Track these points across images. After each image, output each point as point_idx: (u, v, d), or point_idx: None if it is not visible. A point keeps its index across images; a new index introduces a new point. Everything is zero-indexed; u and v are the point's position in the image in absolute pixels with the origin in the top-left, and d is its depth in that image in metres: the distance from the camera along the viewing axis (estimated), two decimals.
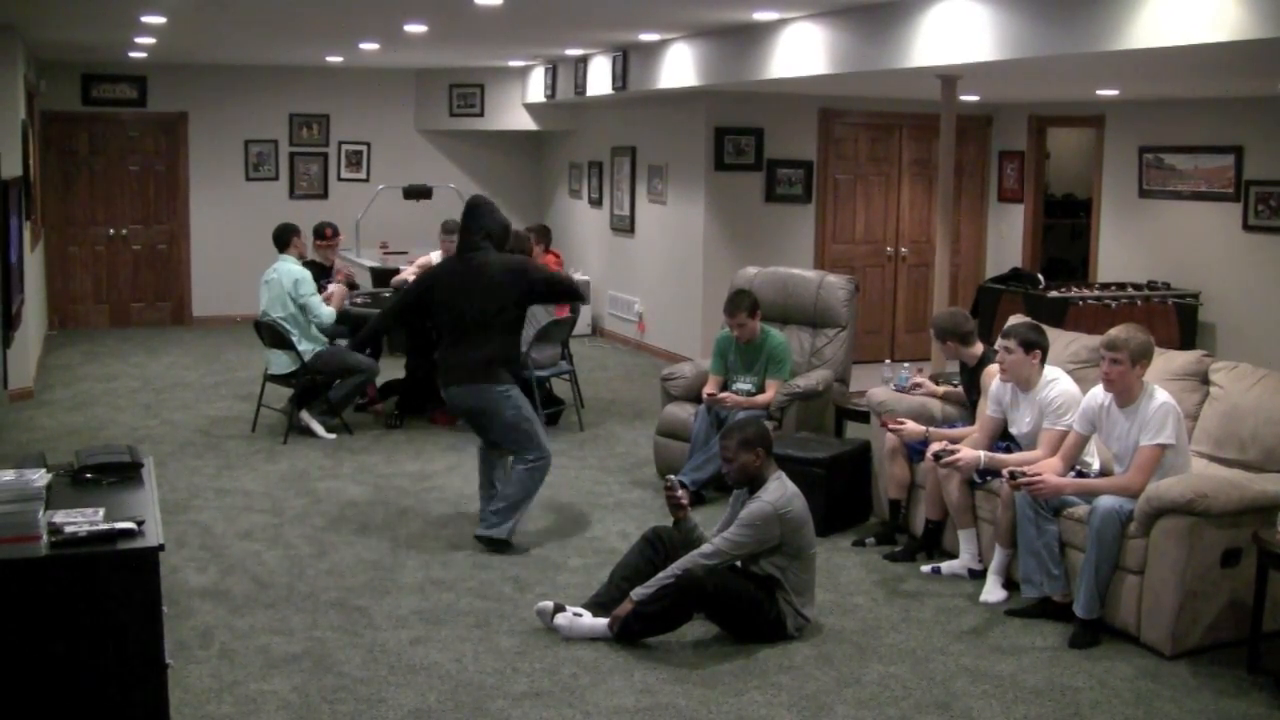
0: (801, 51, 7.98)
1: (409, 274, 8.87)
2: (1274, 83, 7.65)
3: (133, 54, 11.54)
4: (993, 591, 5.32)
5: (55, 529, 3.37)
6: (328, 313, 8.18)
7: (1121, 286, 9.50)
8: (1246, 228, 9.10)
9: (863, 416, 6.74)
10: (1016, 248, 11.32)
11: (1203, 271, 9.41)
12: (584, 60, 11.28)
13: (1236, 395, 5.27)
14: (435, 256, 8.87)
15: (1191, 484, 4.72)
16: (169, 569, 5.31)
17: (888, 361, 7.78)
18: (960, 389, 6.29)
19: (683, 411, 7.07)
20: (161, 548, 3.38)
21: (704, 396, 6.83)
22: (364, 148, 13.71)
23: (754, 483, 4.88)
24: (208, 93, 13.02)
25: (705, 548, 4.78)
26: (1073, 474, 5.21)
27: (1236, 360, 5.63)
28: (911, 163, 11.38)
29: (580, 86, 11.35)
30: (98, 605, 3.30)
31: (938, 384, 6.55)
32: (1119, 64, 6.60)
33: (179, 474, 7.21)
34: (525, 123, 13.49)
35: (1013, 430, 5.61)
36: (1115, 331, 5.03)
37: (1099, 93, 9.35)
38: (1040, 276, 9.76)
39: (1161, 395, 4.96)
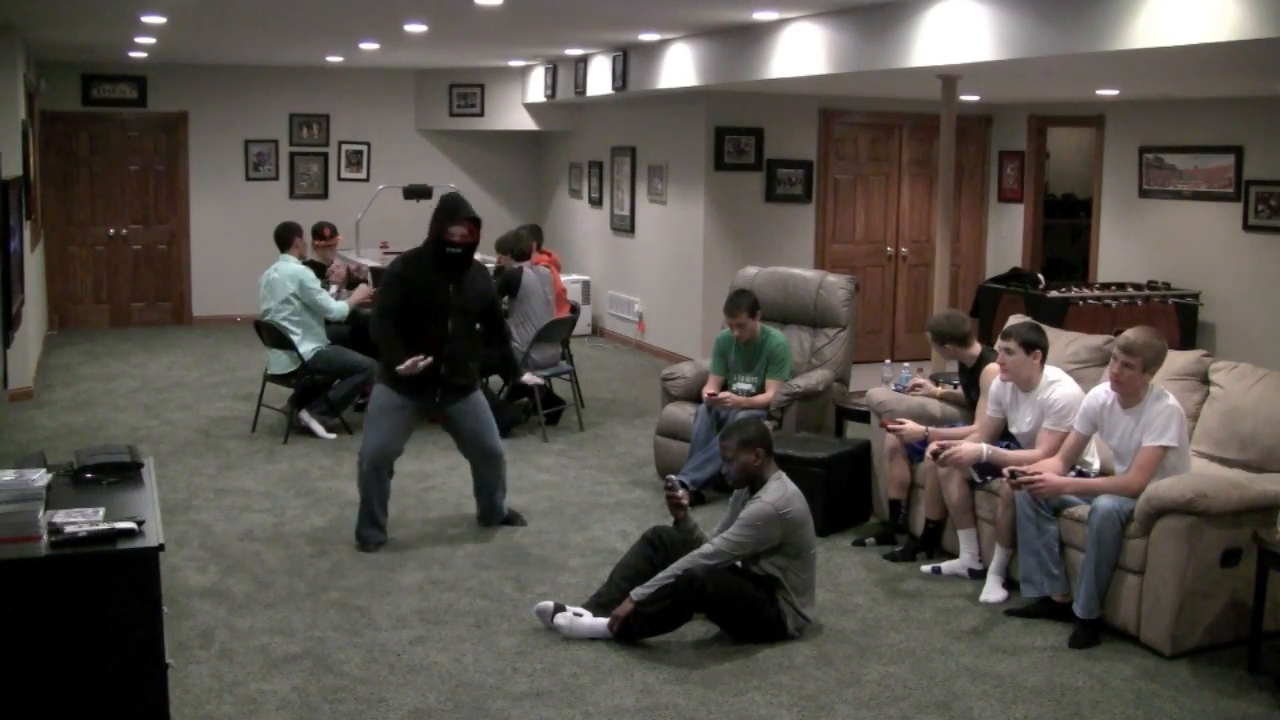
0: (801, 51, 7.98)
1: None
2: (1274, 83, 7.65)
3: (133, 54, 11.54)
4: (993, 591, 5.32)
5: (55, 529, 3.37)
6: (339, 306, 8.20)
7: (1121, 286, 9.50)
8: (1246, 228, 9.10)
9: (863, 416, 6.74)
10: (1016, 248, 11.32)
11: (1203, 271, 9.41)
12: (584, 60, 11.28)
13: (1237, 395, 5.27)
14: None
15: (1191, 484, 4.71)
16: (169, 569, 5.32)
17: (888, 361, 7.78)
18: (959, 390, 6.29)
19: (683, 411, 7.07)
20: (161, 548, 3.38)
21: (704, 396, 6.83)
22: (364, 148, 13.71)
23: (754, 483, 4.88)
24: (208, 93, 13.02)
25: (705, 548, 4.78)
26: (1072, 474, 5.21)
27: (1236, 360, 5.62)
28: (911, 163, 11.38)
29: (580, 86, 11.35)
30: (98, 605, 3.30)
31: (937, 384, 6.55)
32: (1119, 64, 6.60)
33: (179, 474, 7.21)
34: (525, 123, 13.49)
35: (1013, 430, 5.61)
36: (1131, 335, 5.01)
37: (1099, 93, 9.35)
38: (1040, 276, 9.77)
39: (1167, 397, 4.96)
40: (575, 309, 9.19)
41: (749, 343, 6.84)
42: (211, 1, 7.93)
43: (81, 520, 3.43)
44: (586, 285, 12.61)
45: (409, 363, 5.67)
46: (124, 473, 3.98)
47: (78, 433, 8.17)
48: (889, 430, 5.89)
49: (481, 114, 13.48)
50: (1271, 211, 8.93)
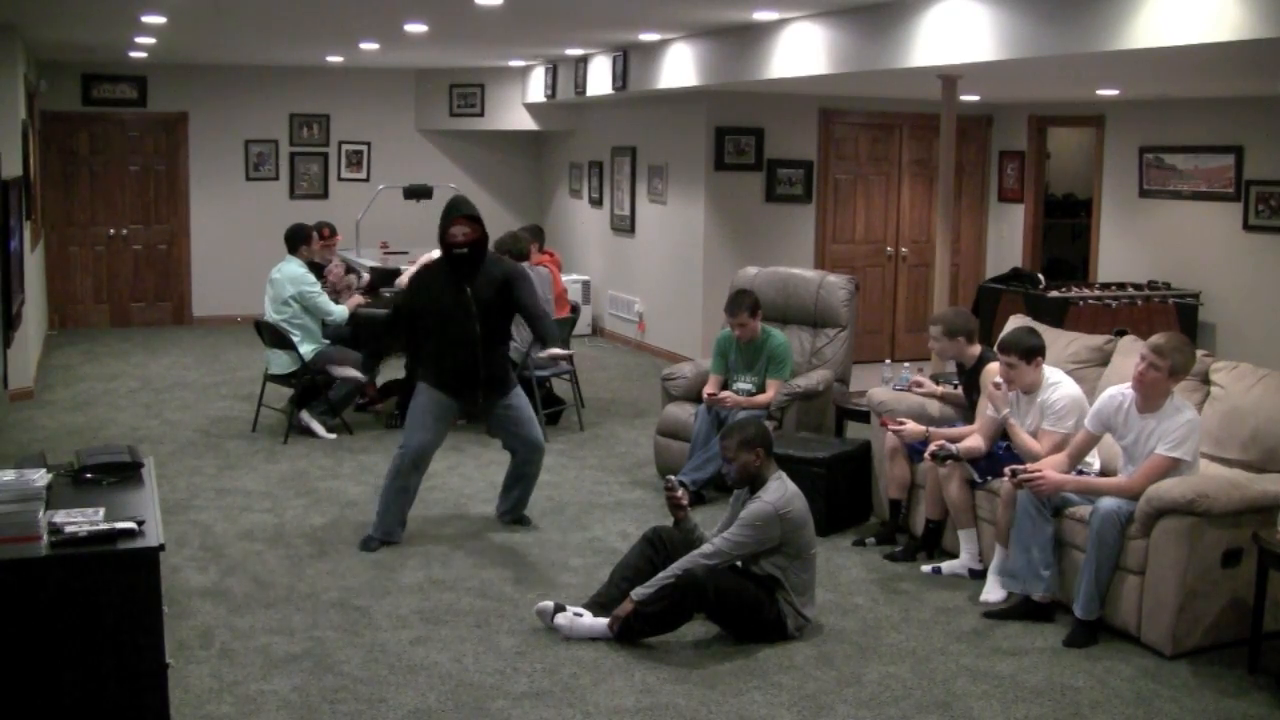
0: (801, 51, 7.98)
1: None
2: (1274, 83, 7.65)
3: (133, 54, 11.54)
4: (993, 591, 5.31)
5: (55, 529, 3.37)
6: (339, 310, 8.20)
7: (1122, 286, 9.50)
8: (1247, 228, 9.10)
9: (863, 416, 6.74)
10: (1016, 248, 11.32)
11: (1203, 271, 9.41)
12: (584, 60, 11.28)
13: (1237, 395, 5.27)
14: (436, 255, 8.85)
15: (1192, 484, 4.71)
16: (169, 569, 5.32)
17: (888, 361, 7.78)
18: (959, 390, 6.29)
19: (683, 411, 7.07)
20: (162, 548, 3.38)
21: (704, 396, 6.83)
22: (364, 148, 13.71)
23: (754, 483, 4.88)
24: (208, 93, 13.02)
25: (706, 548, 4.78)
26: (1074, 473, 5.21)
27: (1237, 360, 5.62)
28: (911, 163, 11.38)
29: (580, 86, 11.35)
30: (98, 605, 3.30)
31: (938, 384, 6.55)
32: (1119, 64, 6.60)
33: (179, 474, 7.21)
34: (525, 123, 13.49)
35: None
36: (1163, 339, 4.95)
37: (1099, 93, 9.35)
38: (1040, 276, 9.77)
39: (1187, 410, 4.93)
40: (575, 309, 9.18)
41: (750, 342, 6.84)
42: (211, 1, 7.93)
43: (82, 520, 3.43)
44: (586, 285, 12.61)
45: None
46: (124, 473, 3.98)
47: (78, 433, 8.17)
48: (889, 430, 5.89)
49: (482, 114, 13.48)
50: (1272, 211, 8.93)
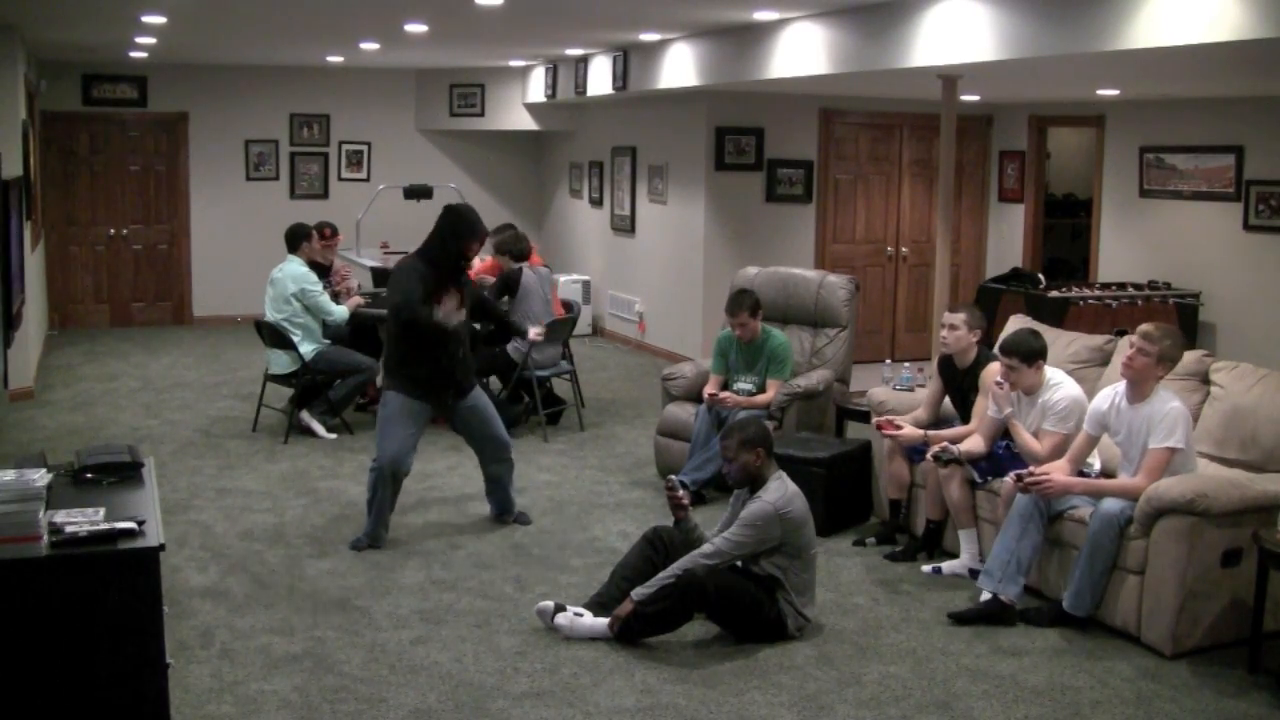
0: (801, 51, 7.98)
1: None
2: (1274, 83, 7.65)
3: (133, 54, 11.54)
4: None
5: (56, 529, 3.37)
6: (340, 310, 8.21)
7: (1122, 286, 9.50)
8: (1247, 228, 9.10)
9: (863, 416, 6.74)
10: (1017, 247, 11.32)
11: (1203, 271, 9.41)
12: (584, 60, 11.28)
13: (1237, 395, 5.27)
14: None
15: (1192, 484, 4.72)
16: (169, 569, 5.32)
17: (888, 361, 7.78)
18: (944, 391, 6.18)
19: (683, 411, 7.07)
20: (162, 547, 3.38)
21: (705, 396, 6.83)
22: (364, 148, 13.71)
23: (755, 482, 4.88)
24: (208, 93, 13.02)
25: (706, 548, 4.78)
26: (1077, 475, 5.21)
27: (1237, 360, 5.62)
28: (912, 163, 11.38)
29: (580, 86, 11.35)
30: (98, 605, 3.30)
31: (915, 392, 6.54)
32: (1119, 64, 6.60)
33: (179, 474, 7.21)
34: (526, 123, 13.49)
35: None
36: (1153, 326, 5.05)
37: (1099, 93, 9.35)
38: (1040, 276, 9.77)
39: (1173, 399, 4.96)
40: (572, 308, 9.16)
41: (750, 342, 6.84)
42: (211, 1, 7.93)
43: (82, 520, 3.43)
44: (587, 285, 12.61)
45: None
46: (124, 473, 3.98)
47: (78, 433, 8.17)
48: (886, 435, 5.89)
49: (482, 114, 13.48)
50: (1272, 211, 8.93)
